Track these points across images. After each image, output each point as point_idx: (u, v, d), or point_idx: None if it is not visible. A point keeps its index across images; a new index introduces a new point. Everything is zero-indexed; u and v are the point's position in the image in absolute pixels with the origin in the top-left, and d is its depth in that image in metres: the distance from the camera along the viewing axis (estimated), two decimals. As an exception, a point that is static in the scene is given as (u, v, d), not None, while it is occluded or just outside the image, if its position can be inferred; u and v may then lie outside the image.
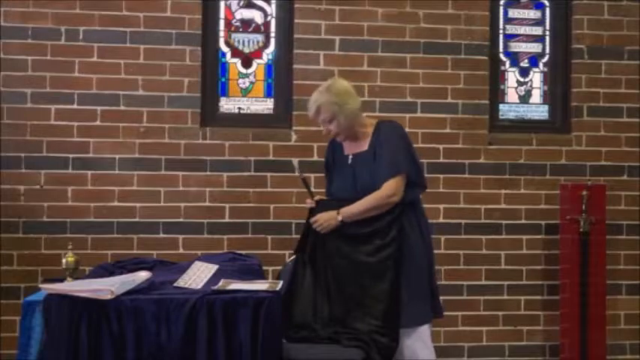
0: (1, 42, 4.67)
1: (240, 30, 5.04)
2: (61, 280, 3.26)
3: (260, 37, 5.05)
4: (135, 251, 4.64)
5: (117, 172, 4.75)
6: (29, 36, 4.69)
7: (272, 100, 5.03)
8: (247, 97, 5.03)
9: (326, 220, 3.52)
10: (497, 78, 5.20)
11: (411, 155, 3.60)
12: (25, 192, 4.68)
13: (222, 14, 5.01)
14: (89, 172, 4.73)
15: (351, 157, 3.66)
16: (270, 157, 4.86)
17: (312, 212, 3.61)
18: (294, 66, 4.92)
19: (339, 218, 3.50)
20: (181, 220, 4.78)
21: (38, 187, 4.69)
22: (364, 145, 3.62)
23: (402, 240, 3.50)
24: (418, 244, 3.56)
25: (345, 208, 3.51)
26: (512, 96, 5.26)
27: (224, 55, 5.03)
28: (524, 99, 5.27)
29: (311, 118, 3.70)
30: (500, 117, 5.21)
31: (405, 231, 3.52)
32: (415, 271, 3.52)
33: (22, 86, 4.68)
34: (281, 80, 5.00)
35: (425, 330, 3.54)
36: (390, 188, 3.49)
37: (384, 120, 3.76)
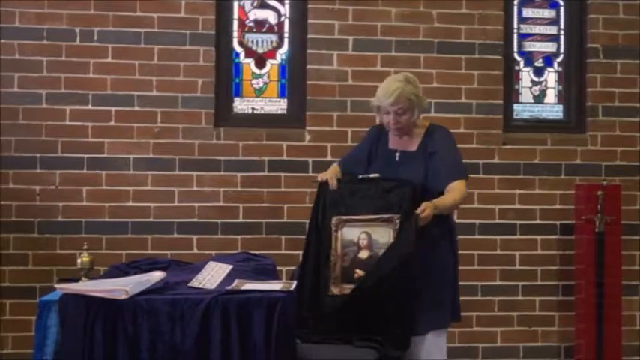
0: (17, 43, 4.70)
1: (254, 30, 5.05)
2: (76, 280, 3.27)
3: (273, 38, 5.06)
4: (149, 251, 4.66)
5: (131, 172, 4.77)
6: (44, 37, 4.72)
7: (285, 100, 5.04)
8: (261, 97, 5.04)
9: (431, 210, 3.25)
10: (511, 78, 5.18)
11: None
12: (41, 192, 4.71)
13: (235, 15, 5.02)
14: (104, 173, 4.75)
15: (398, 154, 3.57)
16: (284, 158, 4.87)
17: (322, 187, 3.49)
18: (308, 66, 4.93)
19: (436, 212, 3.30)
20: (195, 220, 4.80)
21: (53, 187, 4.72)
22: (413, 145, 3.55)
23: (432, 247, 3.41)
24: (448, 253, 3.54)
25: (440, 201, 3.32)
26: (526, 96, 5.24)
27: (238, 55, 5.04)
28: (539, 99, 5.25)
29: (381, 105, 3.47)
30: (515, 117, 5.19)
31: (436, 239, 3.44)
32: (442, 279, 3.50)
33: (38, 87, 4.71)
34: (294, 80, 5.00)
35: (443, 333, 3.54)
36: (464, 189, 3.42)
37: (436, 124, 3.67)
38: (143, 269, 3.47)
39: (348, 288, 3.37)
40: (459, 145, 4.86)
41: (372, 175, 3.48)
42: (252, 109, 5.03)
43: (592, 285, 4.85)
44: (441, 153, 3.49)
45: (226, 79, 4.98)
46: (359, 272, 3.39)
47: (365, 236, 3.42)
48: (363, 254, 3.42)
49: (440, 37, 4.97)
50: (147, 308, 2.92)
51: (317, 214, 3.49)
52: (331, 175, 3.53)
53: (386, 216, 3.39)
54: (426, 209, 3.23)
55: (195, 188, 4.81)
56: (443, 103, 4.96)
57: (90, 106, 4.75)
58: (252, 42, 5.05)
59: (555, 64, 5.26)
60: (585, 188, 4.92)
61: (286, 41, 5.05)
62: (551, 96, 5.26)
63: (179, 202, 4.79)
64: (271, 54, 5.06)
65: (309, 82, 4.92)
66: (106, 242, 4.71)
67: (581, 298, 4.91)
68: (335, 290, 3.39)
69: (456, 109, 4.97)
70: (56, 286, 3.15)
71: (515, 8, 5.22)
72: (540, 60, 5.25)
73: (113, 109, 4.77)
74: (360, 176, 3.49)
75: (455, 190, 3.39)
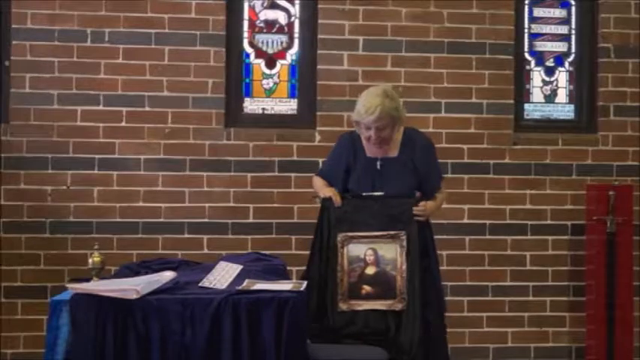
0: (28, 44, 4.72)
1: (264, 31, 5.05)
2: (88, 280, 3.28)
3: (284, 38, 5.06)
4: (160, 251, 4.67)
5: (142, 172, 4.78)
6: (56, 38, 4.74)
7: (296, 100, 5.04)
8: (271, 97, 5.04)
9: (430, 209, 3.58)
10: (522, 77, 5.17)
11: None
12: (52, 192, 4.73)
13: (246, 15, 5.03)
14: (115, 173, 4.76)
15: (379, 161, 3.60)
16: (294, 158, 4.87)
17: (325, 203, 3.57)
18: (318, 66, 4.93)
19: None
20: (206, 220, 4.80)
21: (65, 187, 4.74)
22: (393, 151, 3.60)
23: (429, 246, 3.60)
24: (435, 252, 3.69)
25: (433, 204, 3.59)
26: (537, 95, 5.22)
27: (248, 55, 5.04)
28: (550, 98, 5.23)
29: (362, 121, 3.51)
30: (526, 117, 5.18)
31: (431, 237, 3.62)
32: (438, 274, 3.67)
33: (49, 88, 4.73)
34: (305, 81, 5.00)
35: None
36: (445, 195, 3.78)
37: (410, 127, 3.72)
38: (154, 269, 3.48)
39: (355, 304, 3.44)
40: (469, 146, 4.95)
41: (376, 194, 3.53)
42: (263, 109, 5.03)
43: (603, 286, 4.83)
44: (426, 162, 3.63)
45: (237, 80, 4.99)
46: (366, 288, 3.46)
47: (371, 252, 3.48)
48: (370, 270, 3.48)
49: (450, 36, 4.96)
50: (158, 308, 2.93)
51: (322, 231, 3.53)
52: (334, 191, 3.57)
53: (392, 232, 3.47)
54: (426, 208, 3.53)
55: (205, 188, 4.82)
56: (453, 103, 4.95)
57: (101, 107, 4.77)
58: (263, 42, 5.05)
59: (566, 64, 5.24)
60: (597, 188, 4.90)
61: (296, 42, 5.05)
62: (562, 96, 5.24)
63: (190, 203, 4.80)
64: (281, 54, 5.07)
65: (319, 83, 4.92)
66: (117, 242, 4.72)
67: (592, 299, 4.89)
68: (343, 307, 3.44)
69: (466, 109, 4.96)
70: (67, 285, 3.17)
71: (526, 8, 5.20)
72: (551, 60, 5.23)
73: (124, 109, 4.78)
74: (364, 194, 3.55)
75: (444, 194, 3.75)
